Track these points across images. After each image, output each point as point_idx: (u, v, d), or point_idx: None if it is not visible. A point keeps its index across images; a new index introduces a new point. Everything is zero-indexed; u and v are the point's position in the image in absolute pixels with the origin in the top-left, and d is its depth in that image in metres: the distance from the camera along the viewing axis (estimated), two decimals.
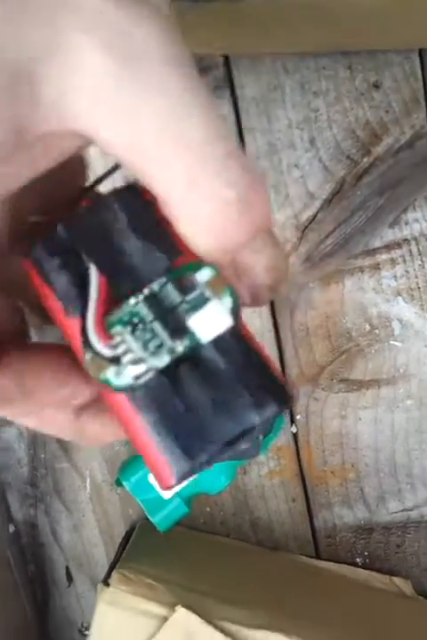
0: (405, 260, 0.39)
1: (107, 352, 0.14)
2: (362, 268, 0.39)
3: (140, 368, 0.14)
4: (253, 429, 0.14)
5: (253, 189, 0.13)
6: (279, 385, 0.15)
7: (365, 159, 0.38)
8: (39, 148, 0.13)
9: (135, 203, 0.15)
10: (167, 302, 0.14)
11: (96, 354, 0.14)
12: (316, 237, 0.39)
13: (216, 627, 0.33)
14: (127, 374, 0.14)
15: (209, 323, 0.14)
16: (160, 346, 0.14)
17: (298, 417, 0.41)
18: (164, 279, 0.14)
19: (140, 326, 0.14)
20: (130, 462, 0.36)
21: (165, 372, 0.14)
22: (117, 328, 0.14)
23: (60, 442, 0.41)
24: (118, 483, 0.36)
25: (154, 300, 0.14)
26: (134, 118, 0.12)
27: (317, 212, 0.39)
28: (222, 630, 0.33)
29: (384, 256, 0.39)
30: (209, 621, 0.33)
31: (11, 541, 0.40)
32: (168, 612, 0.33)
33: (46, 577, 0.42)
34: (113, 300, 0.14)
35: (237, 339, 0.15)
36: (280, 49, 0.38)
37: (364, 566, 0.42)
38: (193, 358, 0.14)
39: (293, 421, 0.41)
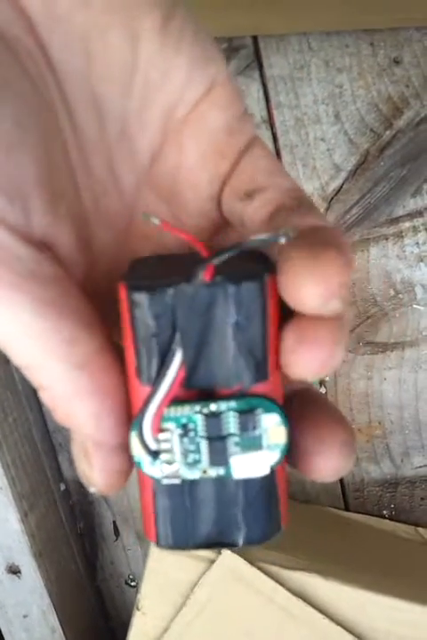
0: (426, 228, 0.41)
1: (151, 444, 0.15)
2: (386, 236, 0.42)
3: (171, 469, 0.15)
4: (235, 546, 0.16)
5: None
6: (275, 527, 0.16)
7: (387, 132, 0.41)
8: None
9: (254, 299, 0.14)
10: (224, 428, 0.15)
11: (142, 437, 0.15)
12: (342, 208, 0.41)
13: (259, 568, 0.35)
14: (158, 469, 0.15)
15: (249, 467, 0.15)
16: (197, 462, 0.15)
17: (327, 378, 0.44)
18: (233, 403, 0.15)
19: (191, 435, 0.15)
20: None
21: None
22: (171, 425, 0.15)
23: None
24: None
25: (214, 421, 0.15)
26: None
27: (342, 183, 0.41)
28: (265, 571, 0.35)
29: (407, 224, 0.41)
30: (252, 563, 0.35)
31: (62, 499, 0.43)
32: (215, 555, 0.35)
33: (95, 532, 0.45)
34: (183, 390, 0.15)
35: (264, 478, 0.15)
36: (306, 28, 0.40)
37: (390, 518, 0.45)
38: (220, 480, 0.15)
39: (322, 383, 0.44)
